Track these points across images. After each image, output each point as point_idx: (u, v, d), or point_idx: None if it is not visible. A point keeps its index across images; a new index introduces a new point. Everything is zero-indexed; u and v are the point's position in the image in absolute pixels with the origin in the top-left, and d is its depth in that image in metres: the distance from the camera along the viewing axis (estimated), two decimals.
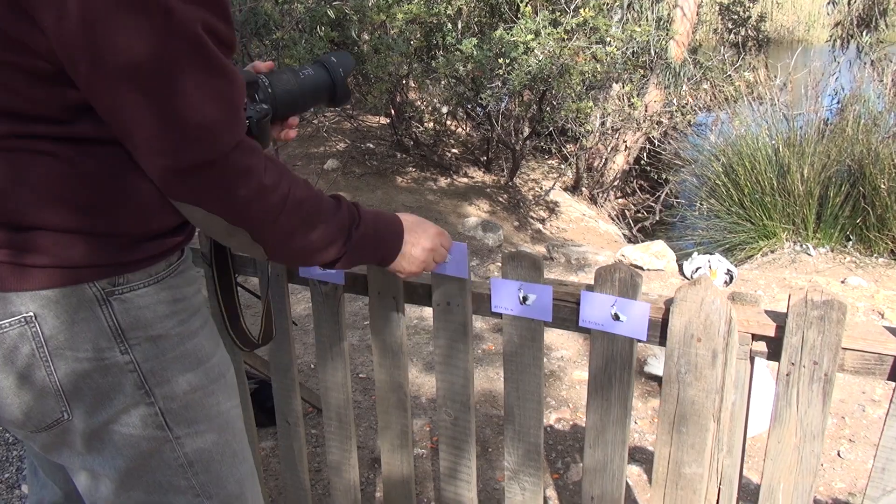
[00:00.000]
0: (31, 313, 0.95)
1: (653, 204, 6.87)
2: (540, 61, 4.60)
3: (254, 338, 1.50)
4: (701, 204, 5.88)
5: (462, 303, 1.38)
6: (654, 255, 4.40)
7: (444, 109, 6.64)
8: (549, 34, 4.73)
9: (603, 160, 7.20)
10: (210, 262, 1.49)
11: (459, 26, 5.30)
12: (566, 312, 1.29)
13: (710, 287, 1.12)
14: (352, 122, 6.98)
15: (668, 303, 1.18)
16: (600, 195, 7.27)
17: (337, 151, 6.84)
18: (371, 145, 6.98)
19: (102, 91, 0.85)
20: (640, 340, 1.22)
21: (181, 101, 0.85)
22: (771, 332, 1.11)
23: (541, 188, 6.99)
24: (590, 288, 1.25)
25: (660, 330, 1.20)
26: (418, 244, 1.22)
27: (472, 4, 5.32)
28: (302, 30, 4.90)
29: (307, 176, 5.84)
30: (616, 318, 1.22)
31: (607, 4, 5.85)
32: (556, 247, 4.86)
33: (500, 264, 4.65)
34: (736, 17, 8.79)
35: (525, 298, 1.31)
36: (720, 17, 9.18)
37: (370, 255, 1.17)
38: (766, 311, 1.14)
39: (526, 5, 5.16)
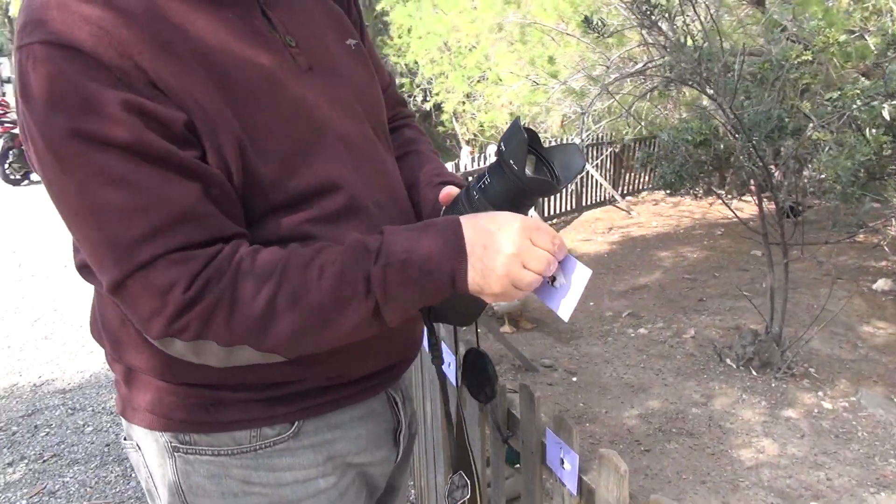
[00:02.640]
0: (136, 442, 1.01)
1: None
2: None
3: None
4: None
5: None
6: None
7: None
8: None
9: None
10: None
11: None
12: None
13: None
14: None
15: None
16: None
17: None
18: None
19: None
20: None
21: (77, 218, 0.80)
22: None
23: None
24: None
25: None
26: (494, 249, 0.82)
27: None
28: (857, 128, 4.20)
29: (846, 295, 4.99)
30: None
31: None
32: None
33: None
34: None
35: None
36: None
37: (418, 291, 0.84)
38: None
39: None
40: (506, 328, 4.86)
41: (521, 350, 4.39)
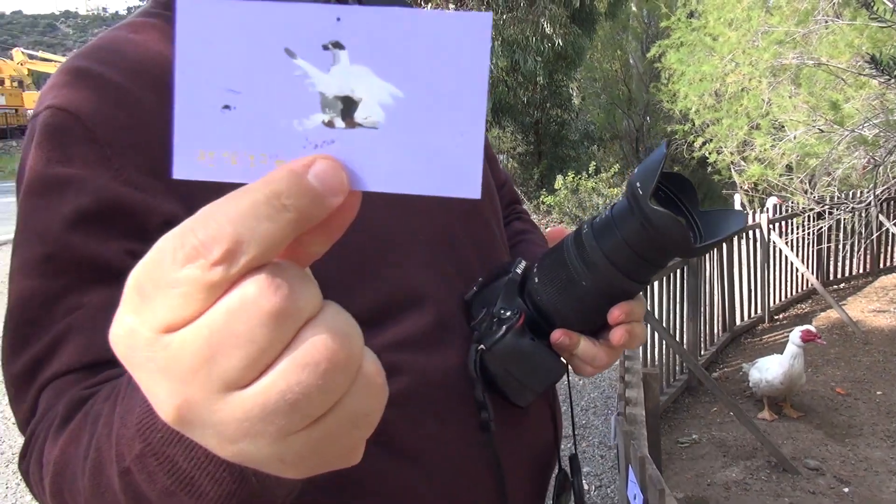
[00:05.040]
0: None
1: None
2: None
3: None
4: None
5: None
6: None
7: None
8: None
9: None
10: None
11: None
12: None
13: None
14: None
15: None
16: None
17: None
18: None
19: None
20: None
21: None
22: None
23: None
24: None
25: None
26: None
27: None
28: None
29: None
30: None
31: None
32: None
33: None
34: None
35: None
36: None
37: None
38: None
39: None
40: (764, 414, 4.22)
41: (780, 444, 3.75)
